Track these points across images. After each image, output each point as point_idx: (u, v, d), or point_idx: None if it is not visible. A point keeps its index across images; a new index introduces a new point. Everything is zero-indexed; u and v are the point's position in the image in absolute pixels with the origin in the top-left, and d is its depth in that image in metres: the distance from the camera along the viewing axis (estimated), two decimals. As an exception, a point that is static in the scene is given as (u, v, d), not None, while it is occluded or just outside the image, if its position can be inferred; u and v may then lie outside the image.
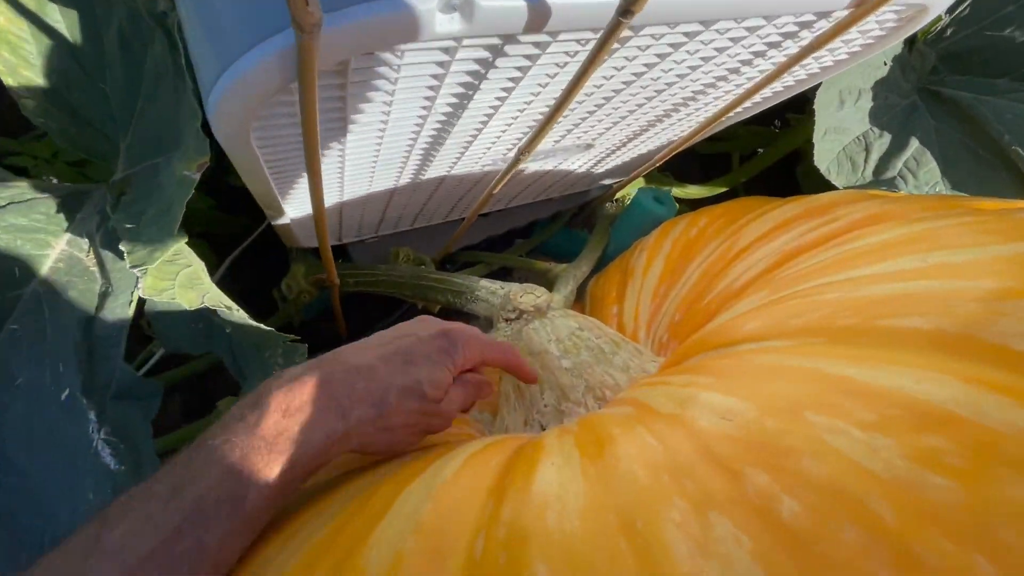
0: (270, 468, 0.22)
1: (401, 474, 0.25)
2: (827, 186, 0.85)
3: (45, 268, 0.37)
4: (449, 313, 0.83)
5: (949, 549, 0.13)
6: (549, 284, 0.67)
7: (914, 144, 0.56)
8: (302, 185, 0.39)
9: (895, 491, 0.15)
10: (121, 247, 0.29)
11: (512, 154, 0.48)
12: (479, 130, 0.38)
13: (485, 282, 0.51)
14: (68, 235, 0.40)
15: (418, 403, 0.27)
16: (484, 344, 0.33)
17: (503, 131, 0.40)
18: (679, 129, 0.59)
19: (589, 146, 0.53)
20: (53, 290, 0.36)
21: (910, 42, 0.59)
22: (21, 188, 0.40)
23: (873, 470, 0.16)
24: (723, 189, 0.98)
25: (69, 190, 0.43)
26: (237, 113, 0.24)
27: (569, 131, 0.45)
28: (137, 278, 0.31)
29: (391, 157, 0.40)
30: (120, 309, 0.35)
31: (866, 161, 0.56)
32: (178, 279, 0.29)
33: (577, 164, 0.61)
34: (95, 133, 0.41)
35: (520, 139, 0.44)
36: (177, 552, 0.19)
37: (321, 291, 0.67)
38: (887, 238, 0.30)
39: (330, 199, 0.46)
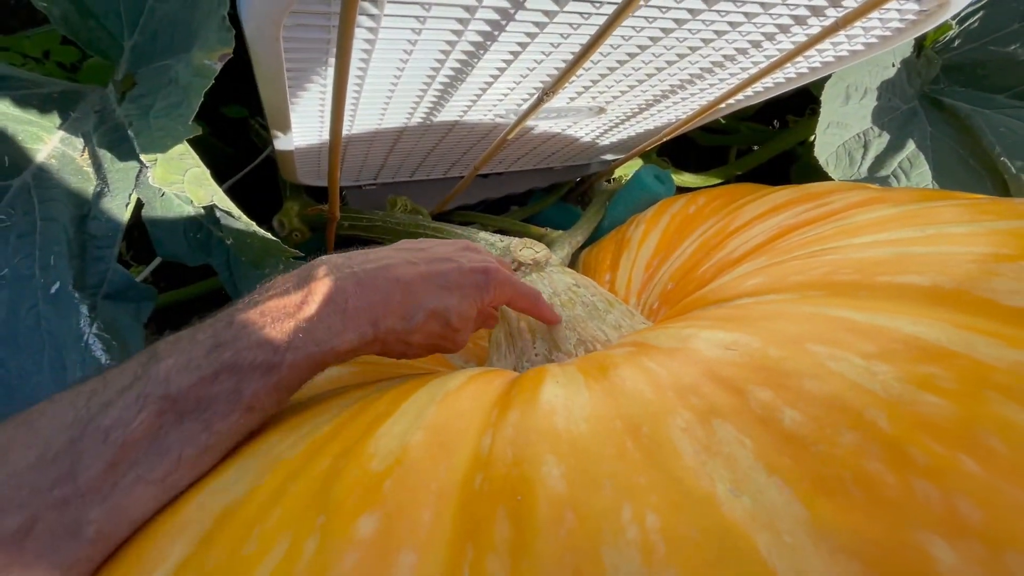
0: (301, 350, 0.23)
1: (404, 386, 0.26)
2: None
3: (36, 161, 0.36)
4: None
5: (937, 450, 0.14)
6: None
7: (910, 147, 0.58)
8: (314, 106, 0.38)
9: (891, 405, 0.16)
10: (130, 132, 0.28)
11: (525, 107, 0.48)
12: (498, 73, 0.38)
13: (485, 234, 0.51)
14: (61, 132, 0.38)
15: (441, 328, 0.29)
16: (516, 288, 0.34)
17: (521, 79, 0.40)
18: (686, 107, 0.59)
19: (601, 110, 0.53)
20: (45, 184, 0.35)
21: (919, 47, 0.61)
22: (15, 78, 0.38)
23: (872, 389, 0.17)
24: (718, 180, 1.00)
25: (64, 87, 0.41)
26: (271, 2, 0.23)
27: (586, 88, 0.45)
28: (137, 179, 0.30)
29: (407, 91, 0.39)
30: (116, 210, 0.34)
31: (863, 157, 0.58)
32: (187, 176, 0.28)
33: (585, 131, 0.62)
34: (98, 26, 0.39)
35: (532, 94, 0.44)
36: (214, 391, 0.21)
37: (314, 232, 0.66)
38: (885, 214, 0.32)
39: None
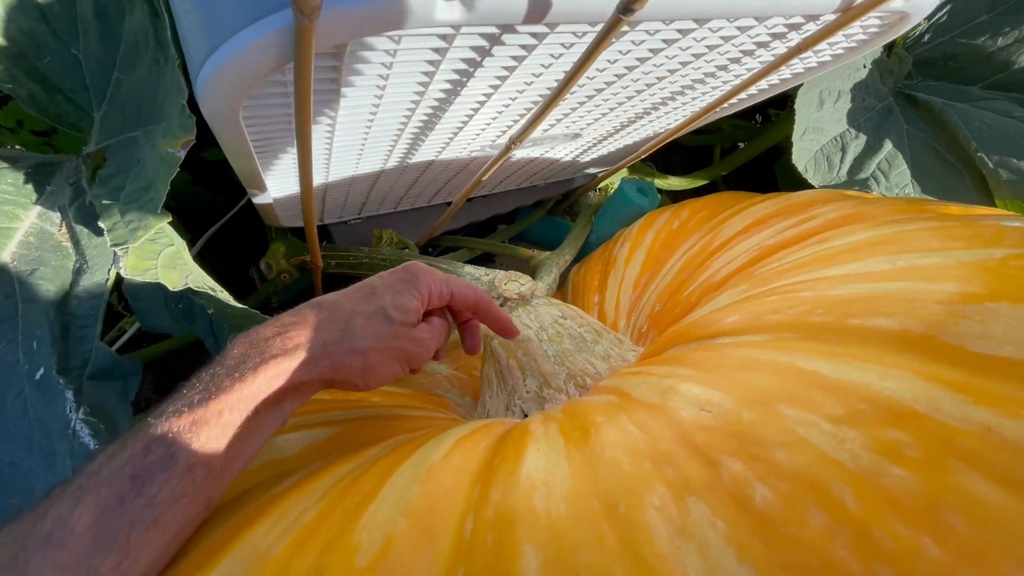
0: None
1: (389, 457, 0.26)
2: (803, 182, 0.87)
3: (15, 241, 0.36)
4: None
5: (903, 532, 0.14)
6: (532, 271, 0.68)
7: (887, 146, 0.58)
8: (287, 164, 0.38)
9: (858, 479, 0.16)
10: (100, 224, 0.28)
11: (502, 140, 0.48)
12: (470, 116, 0.38)
13: (470, 268, 0.51)
14: (38, 208, 0.39)
15: (386, 326, 0.28)
16: (448, 278, 0.34)
17: (494, 118, 0.40)
18: (665, 122, 0.60)
19: (577, 135, 0.53)
20: (24, 264, 0.35)
21: (889, 46, 0.61)
22: (-12, 156, 0.38)
23: (839, 460, 0.17)
24: (704, 182, 1.00)
25: (38, 160, 0.41)
26: (228, 92, 0.24)
27: (559, 120, 0.45)
28: (115, 255, 0.30)
29: (380, 140, 0.39)
30: (96, 288, 0.34)
31: (842, 161, 0.58)
32: (160, 259, 0.28)
33: (564, 153, 0.62)
34: (66, 101, 0.40)
35: (510, 126, 0.44)
36: (147, 462, 0.21)
37: (302, 272, 0.66)
38: (859, 239, 0.32)
39: (316, 180, 0.45)
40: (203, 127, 0.32)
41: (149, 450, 0.21)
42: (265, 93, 0.26)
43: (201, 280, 0.31)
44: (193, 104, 0.27)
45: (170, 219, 0.27)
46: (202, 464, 0.22)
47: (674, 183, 0.96)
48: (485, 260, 0.86)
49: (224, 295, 0.32)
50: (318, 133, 0.34)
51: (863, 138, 0.59)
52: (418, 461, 0.24)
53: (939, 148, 0.58)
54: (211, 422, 0.22)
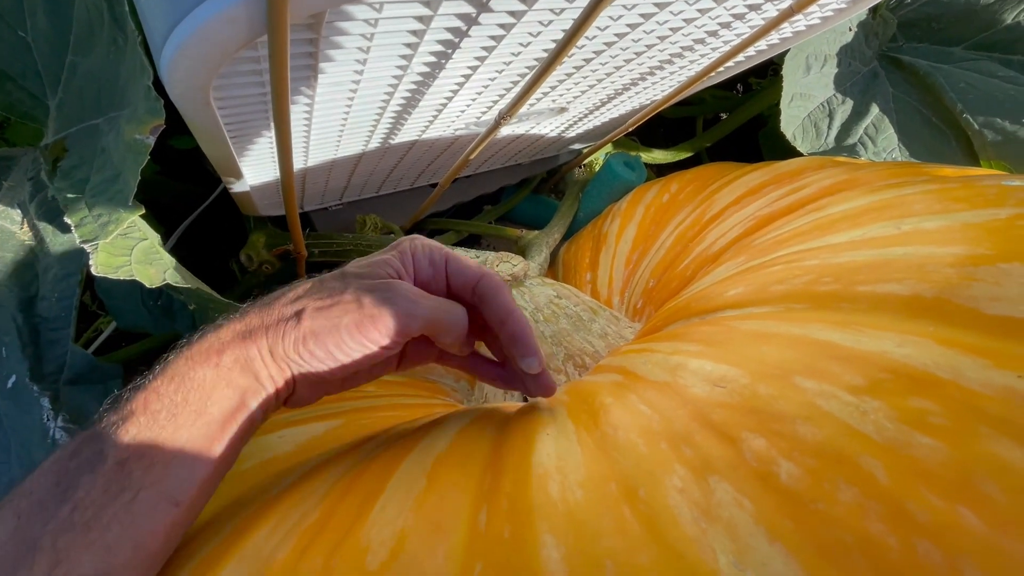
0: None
1: (391, 450, 0.25)
2: (787, 150, 0.87)
3: (-26, 242, 0.34)
4: None
5: (937, 504, 0.14)
6: (521, 251, 0.67)
7: (874, 111, 0.58)
8: (264, 148, 0.36)
9: (886, 451, 0.16)
10: (67, 220, 0.26)
11: (487, 117, 0.46)
12: (455, 92, 0.37)
13: (459, 251, 0.50)
14: (-3, 205, 0.36)
15: (355, 281, 0.24)
16: (437, 245, 0.28)
17: (479, 92, 0.39)
18: (650, 94, 0.58)
19: (563, 110, 0.52)
20: (-14, 267, 0.33)
21: (873, 8, 0.60)
22: (-64, 152, 0.36)
23: (865, 432, 0.16)
24: (688, 154, 0.99)
25: (-7, 154, 0.39)
26: (195, 70, 0.22)
27: (545, 94, 0.44)
28: (85, 253, 0.28)
29: (361, 120, 0.38)
30: (66, 288, 0.32)
31: (829, 127, 0.58)
32: (134, 254, 0.27)
33: (549, 128, 0.60)
34: (18, 89, 0.37)
35: (496, 101, 0.43)
36: (73, 465, 0.20)
37: (284, 262, 0.64)
38: (858, 205, 0.31)
39: (295, 166, 0.43)
40: (172, 113, 0.30)
41: (77, 452, 0.20)
42: (236, 71, 0.24)
43: (180, 275, 0.29)
44: (160, 86, 0.25)
45: (143, 211, 0.25)
46: (137, 457, 0.20)
47: (658, 156, 0.95)
48: (472, 242, 0.85)
49: (205, 288, 0.30)
50: (296, 114, 0.32)
51: (850, 103, 0.58)
52: (422, 454, 0.23)
53: (925, 111, 0.58)
54: (138, 412, 0.21)
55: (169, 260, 0.30)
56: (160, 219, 0.72)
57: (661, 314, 0.37)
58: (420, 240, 0.28)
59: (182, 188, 0.71)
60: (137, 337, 0.69)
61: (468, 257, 0.30)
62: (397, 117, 0.39)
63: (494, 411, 0.29)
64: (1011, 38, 0.58)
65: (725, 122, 0.99)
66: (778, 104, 0.92)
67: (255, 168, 0.40)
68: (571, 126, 0.63)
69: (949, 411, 0.16)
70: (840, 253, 0.26)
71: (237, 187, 0.43)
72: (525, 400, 0.43)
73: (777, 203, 0.41)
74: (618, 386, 0.26)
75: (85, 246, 0.25)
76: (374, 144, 0.44)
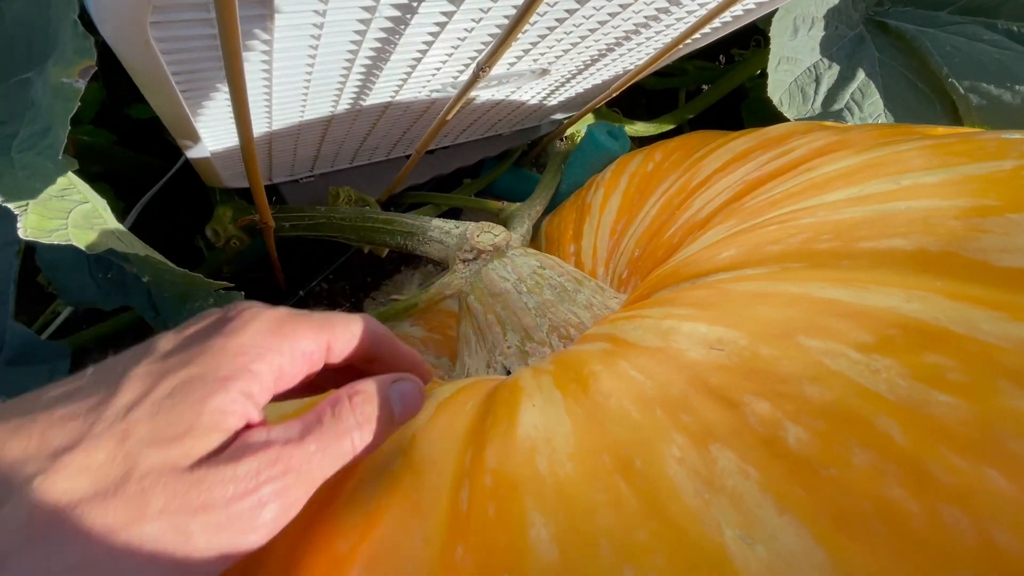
0: None
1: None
2: (770, 122, 0.86)
3: None
4: (400, 256, 0.79)
5: (960, 465, 0.13)
6: (502, 223, 0.65)
7: (860, 76, 0.57)
8: (222, 107, 0.33)
9: (901, 411, 0.14)
10: (-9, 180, 0.23)
11: (464, 77, 0.44)
12: (428, 44, 0.34)
13: (438, 222, 0.48)
14: (-78, 172, 0.32)
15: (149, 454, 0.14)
16: (306, 317, 0.19)
17: (455, 47, 0.36)
18: (633, 59, 0.56)
19: (544, 72, 0.49)
20: (-91, 239, 0.30)
21: (862, -32, 0.58)
22: None
23: (877, 391, 0.15)
24: (671, 126, 0.98)
25: (-85, 116, 0.35)
26: (124, 1, 0.19)
27: (526, 51, 0.41)
28: (15, 217, 0.25)
29: (327, 76, 0.35)
30: (3, 262, 0.29)
31: (816, 92, 0.56)
32: (72, 217, 0.24)
33: (530, 94, 0.58)
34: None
35: (472, 59, 0.40)
36: None
37: (253, 237, 0.61)
38: (853, 163, 0.30)
39: (257, 128, 0.40)
40: (122, 79, 0.27)
41: None
42: (177, 3, 0.21)
43: (128, 242, 0.27)
44: (94, 28, 0.22)
45: (76, 167, 0.22)
46: None
47: (640, 129, 0.93)
48: (451, 216, 0.82)
49: (158, 257, 0.28)
50: (252, 65, 0.29)
51: (836, 68, 0.57)
52: (401, 431, 0.21)
53: (910, 76, 0.57)
54: None
55: (116, 226, 0.27)
56: (120, 193, 0.68)
57: (648, 282, 0.36)
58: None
59: (142, 160, 0.66)
60: (101, 317, 0.65)
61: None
62: (367, 74, 0.37)
63: (476, 384, 0.27)
64: (997, 2, 0.57)
65: (707, 93, 0.97)
66: (760, 75, 0.91)
67: (214, 129, 0.37)
68: (552, 92, 0.61)
69: (966, 366, 0.15)
70: (838, 210, 0.25)
71: (196, 152, 0.40)
72: (508, 373, 0.42)
73: (766, 167, 0.40)
74: (607, 353, 0.24)
75: (12, 207, 0.22)
76: (343, 105, 0.41)
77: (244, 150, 0.31)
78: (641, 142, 1.02)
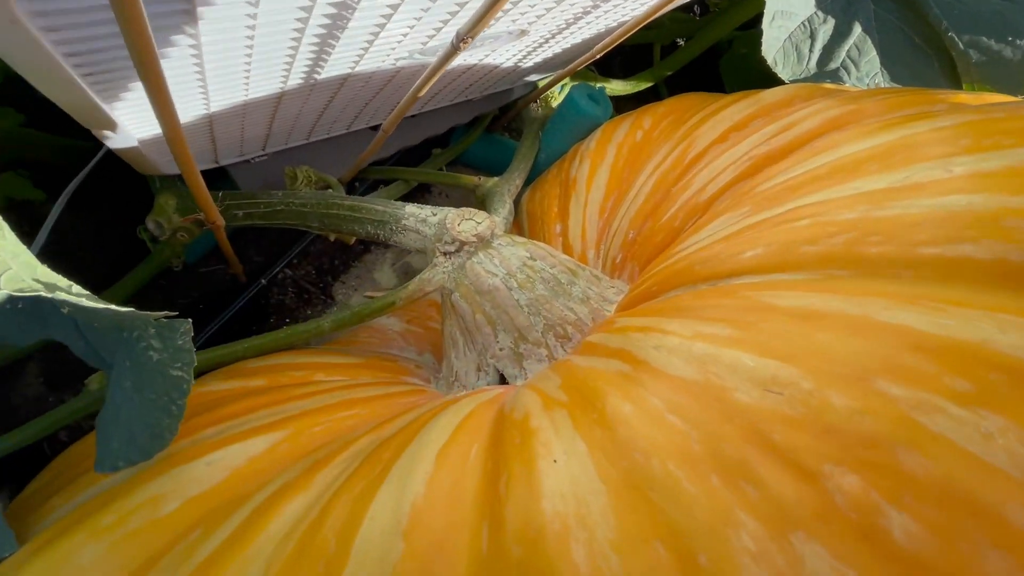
0: None
1: (352, 490, 0.19)
2: (751, 78, 0.82)
3: None
4: (372, 245, 0.73)
5: None
6: (480, 201, 0.60)
7: (856, 31, 0.53)
8: (140, 88, 0.27)
9: (1036, 495, 0.12)
10: None
11: (433, 44, 0.38)
12: (393, 7, 0.28)
13: (412, 208, 0.43)
14: None
15: None
16: None
17: (424, 10, 0.30)
18: (617, 16, 0.51)
19: (523, 32, 0.44)
20: None
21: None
22: None
23: (996, 465, 0.12)
24: (648, 83, 0.93)
25: None
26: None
27: (506, 11, 0.36)
28: None
29: (272, 50, 0.29)
30: None
31: (811, 50, 0.53)
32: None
33: (506, 56, 0.52)
34: None
35: (444, 23, 0.34)
36: None
37: (202, 227, 0.54)
38: (883, 141, 0.27)
39: (191, 112, 0.34)
40: None
41: None
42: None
43: (31, 275, 0.21)
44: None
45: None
46: None
47: (616, 87, 0.88)
48: (421, 192, 0.76)
49: (77, 290, 0.22)
50: (171, 39, 0.23)
51: (831, 22, 0.53)
52: (393, 497, 0.18)
53: (907, 30, 0.53)
54: None
55: (14, 253, 0.21)
56: (39, 182, 0.59)
57: (653, 275, 0.33)
58: None
59: (61, 143, 0.58)
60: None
61: None
62: (321, 45, 0.31)
63: (475, 415, 0.24)
64: (994, -53, 0.54)
65: (685, 49, 0.92)
66: (741, 28, 0.86)
67: (137, 114, 0.31)
68: (530, 53, 0.55)
69: (1103, 430, 0.12)
70: (883, 204, 0.22)
71: (119, 142, 0.33)
72: (502, 380, 0.38)
73: (773, 140, 0.36)
74: (627, 380, 0.21)
75: None
76: (295, 81, 0.35)
77: (171, 143, 0.26)
78: (617, 102, 0.97)
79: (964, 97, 0.32)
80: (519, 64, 0.58)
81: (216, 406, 0.31)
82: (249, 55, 0.28)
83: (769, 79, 0.58)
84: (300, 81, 0.36)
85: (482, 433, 0.22)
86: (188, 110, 0.33)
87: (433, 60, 0.35)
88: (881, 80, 0.52)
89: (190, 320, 0.25)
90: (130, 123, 0.32)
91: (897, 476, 0.13)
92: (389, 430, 0.25)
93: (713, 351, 0.19)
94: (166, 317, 0.24)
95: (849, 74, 0.52)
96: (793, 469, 0.14)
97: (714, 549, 0.13)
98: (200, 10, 0.21)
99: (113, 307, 0.21)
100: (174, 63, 0.25)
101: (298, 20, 0.26)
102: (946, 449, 0.13)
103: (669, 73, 0.93)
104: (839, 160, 0.28)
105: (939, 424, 0.13)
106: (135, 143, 0.34)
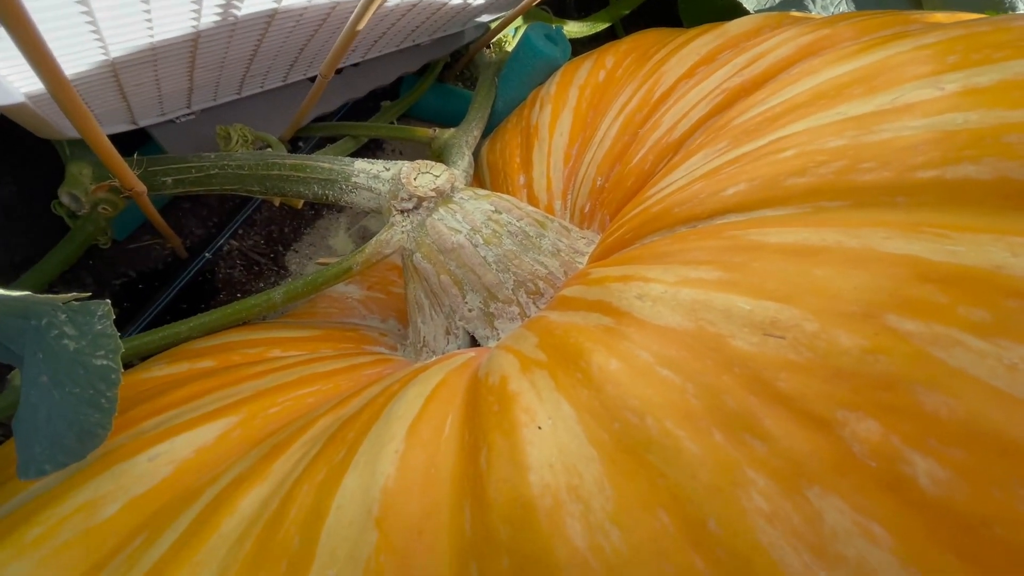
0: None
1: (313, 475, 0.17)
2: (712, 17, 0.79)
3: None
4: (325, 210, 0.68)
5: None
6: (436, 155, 0.56)
7: (820, -45, 0.51)
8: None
9: (1072, 429, 0.11)
10: None
11: (370, -29, 0.33)
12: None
13: (362, 164, 0.39)
14: None
15: None
16: None
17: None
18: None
19: (472, -40, 0.39)
20: None
21: None
22: None
23: (1025, 398, 0.11)
24: (605, 24, 0.89)
25: None
26: None
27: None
28: None
29: (174, -27, 0.24)
30: None
31: (775, -22, 0.50)
32: None
33: (453, -9, 0.47)
34: None
35: (380, -56, 0.30)
36: None
37: (129, 199, 0.49)
38: (866, 62, 0.25)
39: (86, 56, 0.29)
40: None
41: None
42: None
43: None
44: None
45: None
46: None
47: (572, 29, 0.84)
48: (372, 149, 0.72)
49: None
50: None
51: (795, -54, 0.51)
52: (361, 482, 0.16)
53: (870, -47, 0.52)
54: None
55: None
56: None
57: (627, 221, 0.31)
58: None
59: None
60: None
61: None
62: (235, -31, 0.26)
63: (446, 382, 0.22)
64: None
65: (643, -16, 0.88)
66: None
67: (13, 64, 0.26)
68: (479, -12, 0.51)
69: None
70: (872, 127, 0.20)
71: (0, 99, 0.28)
72: (474, 343, 0.37)
73: (745, 71, 0.34)
74: (611, 334, 0.19)
75: None
76: (210, 18, 0.31)
77: (57, 96, 0.22)
78: (573, 45, 0.93)
79: (939, 17, 0.31)
80: (467, 2, 0.54)
81: (159, 393, 0.28)
82: (146, -18, 0.24)
83: (729, 14, 0.56)
84: (216, 18, 0.31)
85: (456, 402, 0.20)
86: (81, 57, 0.28)
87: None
88: (846, 6, 0.50)
89: (108, 301, 0.21)
90: (9, 74, 0.26)
91: (918, 418, 0.12)
92: (354, 405, 0.23)
93: (703, 296, 0.18)
94: (77, 300, 0.20)
95: (814, 3, 0.50)
96: (803, 418, 0.13)
97: (723, 512, 0.12)
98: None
99: (13, 292, 0.18)
100: (52, 5, 0.21)
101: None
102: (969, 385, 0.12)
103: (627, 12, 0.89)
104: (820, 86, 0.26)
105: (959, 359, 0.12)
106: (22, 99, 0.29)
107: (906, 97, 0.21)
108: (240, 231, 0.66)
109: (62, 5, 0.22)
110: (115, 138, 0.35)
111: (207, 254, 0.61)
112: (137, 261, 0.60)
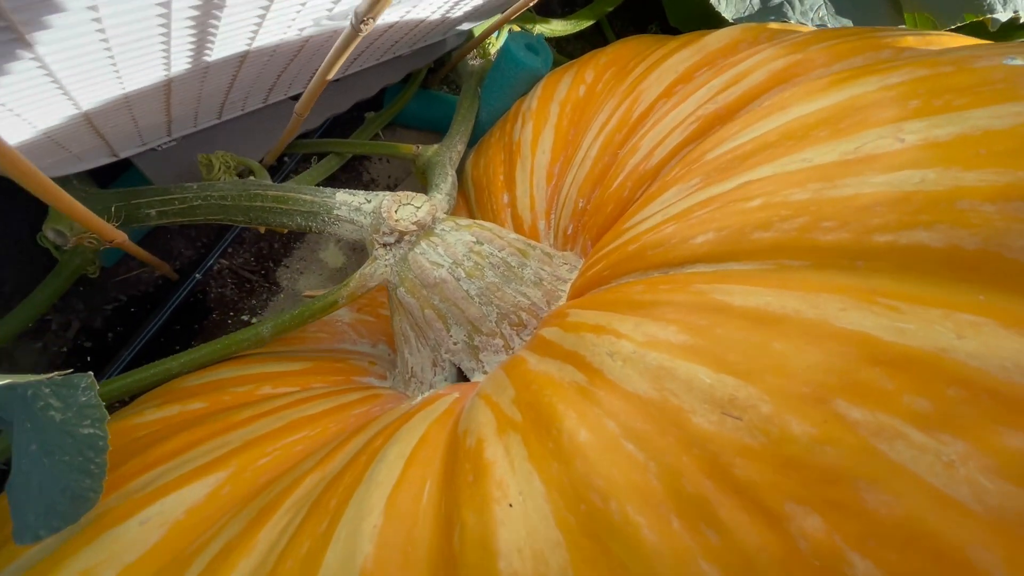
0: None
1: (300, 546, 0.18)
2: (695, 12, 0.78)
3: None
4: (306, 237, 0.68)
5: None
6: (420, 173, 0.56)
7: (799, -41, 0.51)
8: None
9: (1000, 534, 0.11)
10: None
11: (341, 8, 0.33)
12: (280, -23, 0.24)
13: (344, 195, 0.39)
14: None
15: None
16: None
17: (320, -25, 0.26)
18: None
19: (444, -14, 0.39)
20: None
21: None
22: None
23: (959, 500, 0.12)
24: (589, 22, 0.88)
25: None
26: None
27: (419, -33, 0.31)
28: None
29: (137, 44, 0.24)
30: None
31: (754, -15, 0.50)
32: None
33: (432, 8, 0.47)
34: None
35: (348, -15, 0.30)
36: None
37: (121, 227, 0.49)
38: (833, 101, 0.25)
39: (57, 112, 0.29)
40: None
41: None
42: None
43: None
44: None
45: None
46: None
47: (557, 28, 0.83)
48: (360, 159, 0.71)
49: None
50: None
51: (774, -49, 0.50)
52: (341, 561, 0.17)
53: (849, -45, 0.51)
54: None
55: None
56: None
57: (605, 256, 0.31)
58: None
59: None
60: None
61: None
62: (199, 26, 0.26)
63: (426, 440, 0.23)
64: None
65: (627, -20, 0.87)
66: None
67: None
68: (457, 3, 0.50)
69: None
70: (835, 181, 0.21)
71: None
72: (460, 373, 0.37)
73: (720, 97, 0.34)
74: (583, 396, 0.20)
75: None
76: (181, 66, 0.30)
77: (28, 185, 0.22)
78: (558, 44, 0.92)
79: (910, 40, 0.31)
80: (448, 14, 0.53)
81: (149, 445, 0.29)
82: (111, 56, 0.24)
83: (713, 9, 0.55)
84: (188, 65, 0.31)
85: (435, 465, 0.20)
86: (53, 113, 0.28)
87: (346, 24, 0.31)
88: (824, 13, 0.50)
89: (91, 373, 0.22)
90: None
91: (860, 516, 0.12)
92: (339, 461, 0.24)
93: (668, 363, 0.18)
94: (60, 375, 0.21)
95: (794, 9, 0.50)
96: (755, 509, 0.13)
97: (678, 611, 0.12)
98: (33, 35, 0.17)
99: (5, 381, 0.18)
100: (17, 79, 0.21)
101: (160, 5, 0.21)
102: (908, 483, 0.12)
103: (610, 9, 0.88)
104: (788, 124, 0.26)
105: (900, 453, 0.13)
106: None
107: (868, 147, 0.21)
108: (230, 250, 0.66)
109: (30, 82, 0.22)
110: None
111: (197, 275, 0.61)
112: (128, 285, 0.60)
